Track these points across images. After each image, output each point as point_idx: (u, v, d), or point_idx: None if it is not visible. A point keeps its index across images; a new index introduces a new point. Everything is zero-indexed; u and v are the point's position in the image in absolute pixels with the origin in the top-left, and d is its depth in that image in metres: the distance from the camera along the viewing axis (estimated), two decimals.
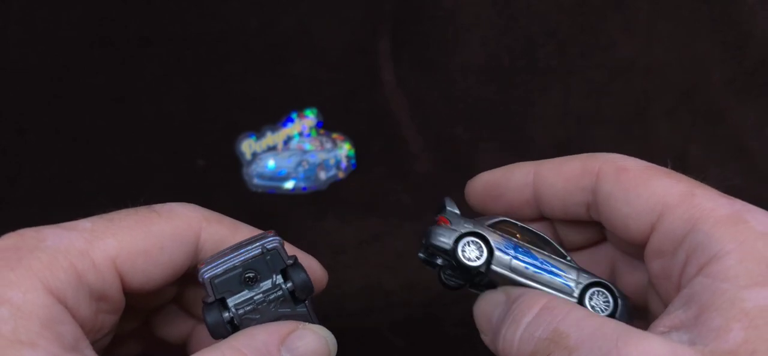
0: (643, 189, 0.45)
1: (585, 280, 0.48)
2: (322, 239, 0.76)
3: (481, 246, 0.47)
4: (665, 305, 0.44)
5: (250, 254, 0.45)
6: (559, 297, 0.46)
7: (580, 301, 0.47)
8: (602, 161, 0.47)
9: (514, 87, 0.81)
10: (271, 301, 0.45)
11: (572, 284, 0.47)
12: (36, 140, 0.77)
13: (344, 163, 0.79)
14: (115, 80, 0.78)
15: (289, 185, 0.79)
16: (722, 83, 0.82)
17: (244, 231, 0.48)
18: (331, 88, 0.80)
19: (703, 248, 0.41)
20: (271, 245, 0.45)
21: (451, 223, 0.48)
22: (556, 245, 0.50)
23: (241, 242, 0.46)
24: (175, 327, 0.52)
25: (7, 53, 0.78)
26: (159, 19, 0.79)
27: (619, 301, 0.47)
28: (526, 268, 0.47)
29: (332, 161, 0.79)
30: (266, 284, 0.45)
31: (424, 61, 0.80)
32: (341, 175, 0.79)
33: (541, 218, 0.52)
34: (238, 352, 0.41)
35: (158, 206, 0.46)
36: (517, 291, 0.46)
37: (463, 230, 0.48)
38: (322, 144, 0.79)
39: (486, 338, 0.48)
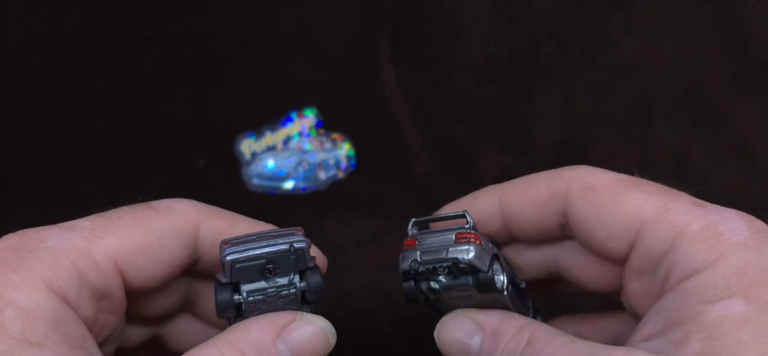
0: (615, 208, 0.44)
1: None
2: (321, 239, 0.75)
3: (501, 268, 0.47)
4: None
5: (276, 249, 0.45)
6: (535, 323, 0.45)
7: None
8: (568, 181, 0.46)
9: (515, 87, 0.81)
10: (282, 297, 0.45)
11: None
12: (35, 140, 0.77)
13: (344, 163, 0.79)
14: (114, 80, 0.78)
15: (288, 185, 0.78)
16: (723, 83, 0.82)
17: (242, 224, 0.48)
18: (331, 87, 0.80)
19: (680, 266, 0.41)
20: (299, 245, 0.45)
21: (480, 240, 0.47)
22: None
23: (268, 232, 0.47)
24: (188, 338, 0.52)
25: (7, 53, 0.77)
26: (159, 18, 0.78)
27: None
28: (510, 290, 0.47)
29: (332, 161, 0.79)
30: (282, 280, 0.45)
31: (424, 60, 0.80)
32: (341, 175, 0.79)
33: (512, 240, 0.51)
34: (234, 348, 0.41)
35: (156, 203, 0.46)
36: (489, 319, 0.46)
37: (495, 251, 0.47)
38: (321, 144, 0.79)
39: None
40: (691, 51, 0.82)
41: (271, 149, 0.79)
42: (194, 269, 0.49)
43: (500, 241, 0.50)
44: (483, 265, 0.45)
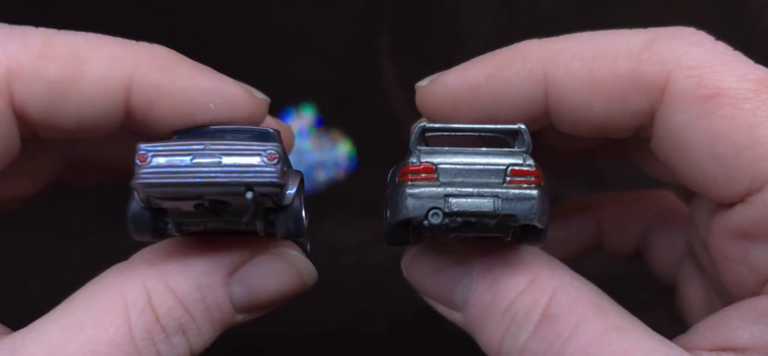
0: (746, 136, 0.28)
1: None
2: (321, 241, 0.75)
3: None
4: (720, 297, 0.33)
5: (223, 180, 0.30)
6: (552, 270, 0.31)
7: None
8: (674, 65, 0.29)
9: None
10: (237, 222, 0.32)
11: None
12: None
13: (344, 163, 0.78)
14: None
15: None
16: None
17: (98, 65, 0.33)
18: (330, 85, 0.79)
19: None
20: (264, 184, 0.30)
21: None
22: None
23: (217, 131, 0.33)
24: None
25: None
26: (155, 14, 0.78)
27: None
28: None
29: (331, 162, 0.78)
30: (236, 218, 0.32)
31: (425, 58, 0.80)
32: (341, 175, 0.78)
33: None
34: (164, 288, 0.31)
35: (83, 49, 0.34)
36: (487, 263, 0.32)
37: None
38: (320, 144, 0.78)
39: (442, 312, 0.35)
40: None
41: None
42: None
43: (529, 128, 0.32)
44: (544, 223, 0.31)
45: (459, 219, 0.30)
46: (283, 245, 0.34)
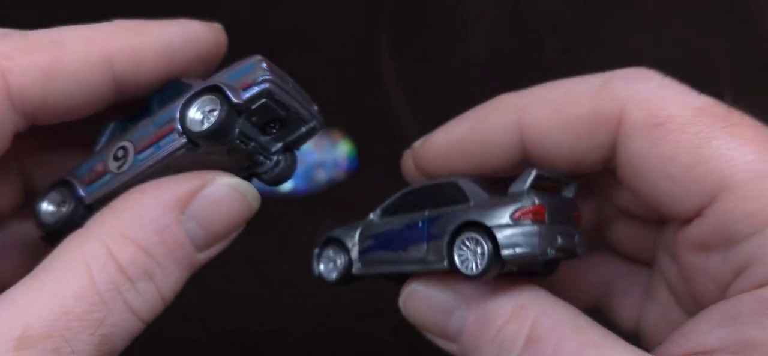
0: (692, 156, 0.31)
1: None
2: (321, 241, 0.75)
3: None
4: (687, 306, 0.35)
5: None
6: (535, 297, 0.34)
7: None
8: (625, 101, 0.33)
9: (519, 84, 0.80)
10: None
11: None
12: None
13: (344, 163, 0.78)
14: None
15: (287, 186, 0.77)
16: (731, 80, 0.81)
17: (76, 45, 0.37)
18: (330, 85, 0.79)
19: None
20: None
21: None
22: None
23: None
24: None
25: None
26: (152, 12, 0.78)
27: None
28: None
29: (331, 161, 0.78)
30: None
31: (425, 56, 0.80)
32: (340, 175, 0.78)
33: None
34: (124, 239, 0.32)
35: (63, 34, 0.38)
36: (475, 292, 0.35)
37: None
38: (320, 144, 0.78)
39: (438, 343, 0.37)
40: (698, 47, 0.81)
41: None
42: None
43: (506, 171, 0.37)
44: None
45: (556, 254, 0.34)
46: (218, 174, 0.35)
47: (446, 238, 0.35)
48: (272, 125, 0.36)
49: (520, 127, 0.36)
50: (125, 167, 0.35)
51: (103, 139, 0.38)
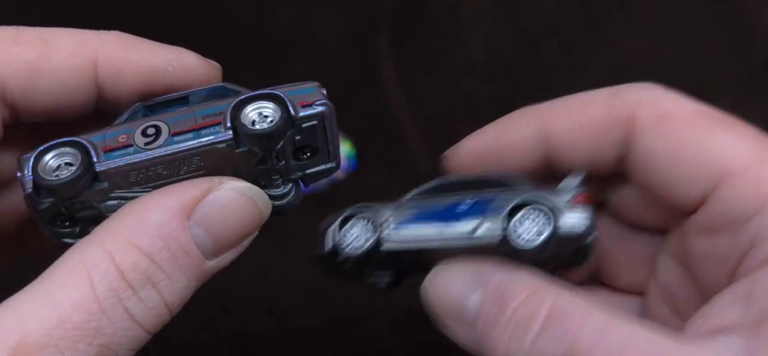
0: (695, 147, 0.35)
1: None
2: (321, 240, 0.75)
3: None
4: (702, 293, 0.36)
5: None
6: (554, 286, 0.34)
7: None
8: (636, 104, 0.37)
9: (517, 85, 0.80)
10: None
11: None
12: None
13: (344, 163, 0.78)
14: None
15: None
16: (727, 82, 0.81)
17: (63, 46, 0.37)
18: (330, 85, 0.79)
19: None
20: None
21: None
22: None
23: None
24: None
25: None
26: (154, 14, 0.78)
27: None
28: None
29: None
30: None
31: (425, 58, 0.80)
32: (340, 175, 0.78)
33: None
34: (128, 245, 0.31)
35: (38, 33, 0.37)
36: (495, 275, 0.35)
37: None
38: None
39: (457, 332, 0.37)
40: (694, 49, 0.81)
41: None
42: (23, 123, 0.38)
43: (532, 174, 0.40)
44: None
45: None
46: (226, 179, 0.34)
47: (505, 211, 0.35)
48: (305, 151, 0.37)
49: (543, 131, 0.39)
50: (155, 145, 0.33)
51: (125, 116, 0.37)
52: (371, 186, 0.78)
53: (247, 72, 0.80)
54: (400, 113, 0.80)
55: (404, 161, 0.79)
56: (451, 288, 0.36)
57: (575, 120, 0.39)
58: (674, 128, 0.36)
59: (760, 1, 0.82)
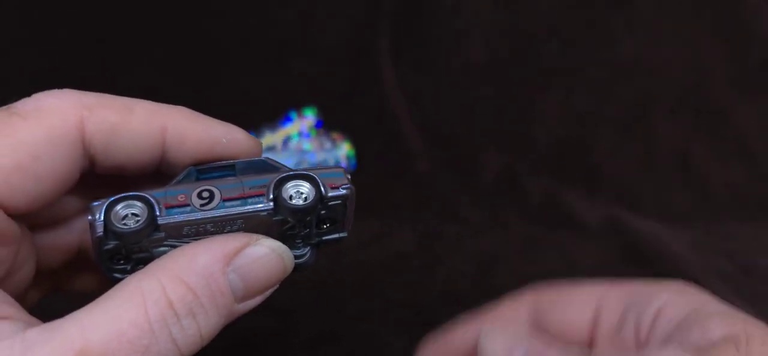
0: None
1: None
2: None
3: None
4: None
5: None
6: None
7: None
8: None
9: (516, 86, 0.80)
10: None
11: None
12: None
13: (344, 163, 0.78)
14: (112, 79, 0.78)
15: None
16: (726, 82, 0.81)
17: (141, 113, 0.41)
18: (331, 86, 0.79)
19: None
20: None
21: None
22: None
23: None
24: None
25: (3, 53, 0.77)
26: (156, 16, 0.78)
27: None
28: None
29: (331, 162, 0.78)
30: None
31: (424, 59, 0.80)
32: None
33: None
34: (177, 280, 0.36)
35: (20, 105, 0.41)
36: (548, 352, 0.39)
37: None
38: (321, 144, 0.79)
39: None
40: (692, 50, 0.81)
41: (270, 149, 0.78)
42: (92, 173, 0.42)
43: None
44: None
45: None
46: (262, 237, 0.40)
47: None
48: (325, 222, 0.42)
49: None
50: (209, 207, 0.40)
51: (180, 177, 0.42)
52: (371, 186, 0.78)
53: (248, 72, 0.80)
54: (399, 113, 0.80)
55: (404, 161, 0.80)
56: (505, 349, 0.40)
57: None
58: None
59: (760, 1, 0.82)
